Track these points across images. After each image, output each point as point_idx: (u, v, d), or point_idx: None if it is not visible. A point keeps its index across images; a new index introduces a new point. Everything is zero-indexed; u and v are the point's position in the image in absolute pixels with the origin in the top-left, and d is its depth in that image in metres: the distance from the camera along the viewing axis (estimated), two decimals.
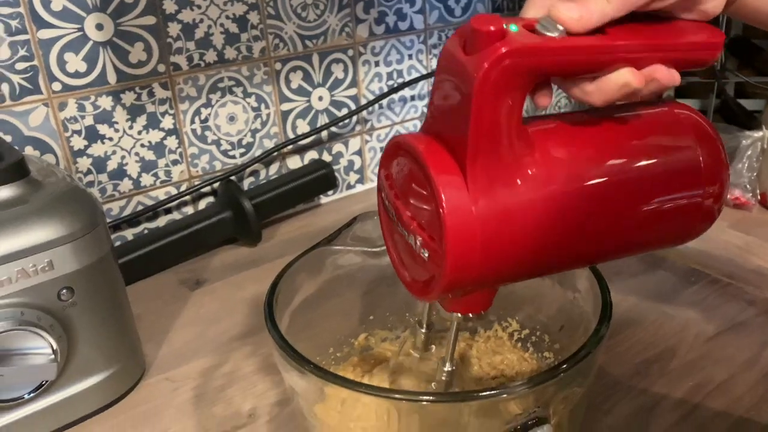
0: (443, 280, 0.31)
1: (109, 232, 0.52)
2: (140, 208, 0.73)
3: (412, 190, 0.33)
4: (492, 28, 0.29)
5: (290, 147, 0.81)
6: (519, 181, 0.31)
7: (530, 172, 0.32)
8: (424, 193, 0.31)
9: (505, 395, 0.32)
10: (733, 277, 0.64)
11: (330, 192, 0.84)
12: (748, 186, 0.76)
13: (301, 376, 0.34)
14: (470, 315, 0.37)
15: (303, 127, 0.81)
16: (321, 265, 0.43)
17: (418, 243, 0.32)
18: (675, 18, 0.36)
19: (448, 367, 0.39)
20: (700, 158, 0.36)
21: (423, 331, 0.43)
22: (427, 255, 0.32)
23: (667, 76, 0.34)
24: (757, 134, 0.75)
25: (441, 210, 0.30)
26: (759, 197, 0.76)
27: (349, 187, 0.88)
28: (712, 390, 0.50)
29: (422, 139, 0.32)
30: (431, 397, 0.32)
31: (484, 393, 0.31)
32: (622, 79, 0.32)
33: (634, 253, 0.40)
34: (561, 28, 0.31)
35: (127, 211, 0.72)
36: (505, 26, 0.30)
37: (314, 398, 0.36)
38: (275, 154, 0.80)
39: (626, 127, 0.36)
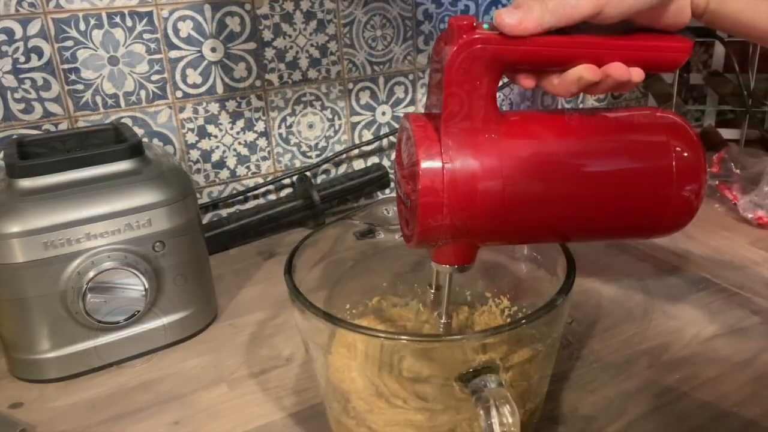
0: (418, 223, 0.34)
1: (197, 203, 0.58)
2: (234, 192, 0.79)
3: (408, 154, 0.36)
4: (464, 23, 0.33)
5: (356, 152, 0.85)
6: (483, 151, 0.33)
7: (495, 145, 0.34)
8: (413, 156, 0.34)
9: (463, 340, 0.34)
10: (743, 288, 0.60)
11: (387, 191, 0.87)
12: None
13: (303, 316, 0.37)
14: (455, 267, 0.37)
15: (368, 136, 0.85)
16: (345, 235, 0.47)
17: (406, 195, 0.36)
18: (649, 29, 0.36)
19: (443, 320, 0.40)
20: (674, 155, 0.35)
21: (432, 291, 0.44)
22: (409, 204, 0.35)
23: (623, 72, 0.34)
24: None
25: (418, 165, 0.33)
26: None
27: None
28: (699, 384, 0.47)
29: (415, 116, 0.36)
30: (403, 337, 0.35)
31: (447, 338, 0.34)
32: (578, 73, 0.33)
33: (600, 236, 0.39)
34: None
35: (224, 195, 0.79)
36: (476, 24, 0.33)
37: (320, 341, 0.39)
38: (344, 156, 0.84)
39: (600, 120, 0.36)
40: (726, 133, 0.90)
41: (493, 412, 0.30)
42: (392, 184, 0.89)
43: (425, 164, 0.33)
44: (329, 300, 0.46)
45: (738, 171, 0.75)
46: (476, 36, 0.32)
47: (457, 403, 0.36)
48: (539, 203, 0.35)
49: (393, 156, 0.88)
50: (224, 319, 0.61)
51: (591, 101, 0.98)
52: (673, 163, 0.35)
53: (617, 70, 0.34)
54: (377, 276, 0.50)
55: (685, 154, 0.36)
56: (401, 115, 0.86)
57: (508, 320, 0.48)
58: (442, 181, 0.33)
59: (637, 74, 0.34)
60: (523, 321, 0.34)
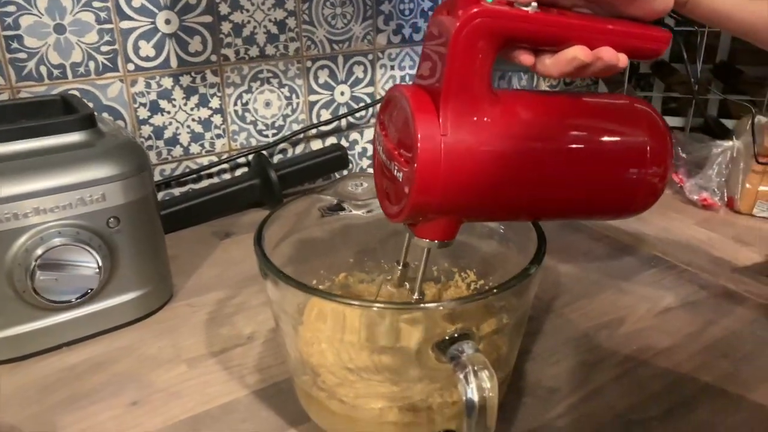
0: (412, 195, 0.33)
1: (153, 179, 0.56)
2: (187, 170, 0.77)
3: (397, 126, 0.36)
4: None
5: (314, 131, 0.84)
6: (480, 126, 0.33)
7: (491, 121, 0.34)
8: (407, 127, 0.34)
9: (440, 308, 0.34)
10: (692, 264, 0.63)
11: (344, 171, 0.86)
12: (716, 190, 0.75)
13: (275, 286, 0.36)
14: (436, 242, 0.37)
15: (326, 116, 0.84)
16: (311, 210, 0.46)
17: (396, 167, 0.35)
18: (630, 18, 0.37)
19: (416, 296, 0.40)
20: (647, 141, 0.37)
21: (399, 268, 0.44)
22: (401, 176, 0.34)
23: (612, 56, 0.35)
24: (728, 144, 0.74)
25: (416, 136, 0.32)
26: (726, 200, 0.75)
27: (361, 169, 0.90)
28: (655, 354, 0.49)
29: (410, 87, 0.35)
30: (379, 305, 0.34)
31: (421, 305, 0.34)
32: (572, 53, 0.34)
33: (579, 215, 0.40)
34: (534, 5, 0.33)
35: (177, 173, 0.76)
36: None
37: (290, 311, 0.38)
38: (301, 136, 0.83)
39: (585, 105, 0.38)
40: (670, 121, 0.93)
41: (471, 378, 0.31)
42: (351, 165, 0.88)
43: (424, 136, 0.33)
44: (295, 276, 0.45)
45: (684, 156, 0.78)
46: (483, 9, 0.32)
47: (430, 372, 0.36)
48: (529, 180, 0.35)
49: (351, 137, 0.87)
50: (181, 299, 0.59)
51: (544, 86, 1.00)
52: (648, 147, 0.37)
53: (608, 53, 0.35)
54: (343, 252, 0.49)
55: (657, 140, 0.37)
56: (359, 95, 0.86)
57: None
58: (440, 154, 0.33)
59: (623, 59, 0.35)
60: (495, 290, 0.34)
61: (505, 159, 0.34)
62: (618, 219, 0.41)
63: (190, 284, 0.62)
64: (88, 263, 0.50)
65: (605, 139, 0.37)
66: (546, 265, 0.62)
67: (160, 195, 0.76)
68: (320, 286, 0.49)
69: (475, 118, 0.34)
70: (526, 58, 0.36)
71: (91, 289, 0.51)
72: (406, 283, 0.46)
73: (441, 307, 0.33)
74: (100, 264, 0.50)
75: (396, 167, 0.35)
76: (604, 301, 0.57)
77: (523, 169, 0.35)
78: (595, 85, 1.03)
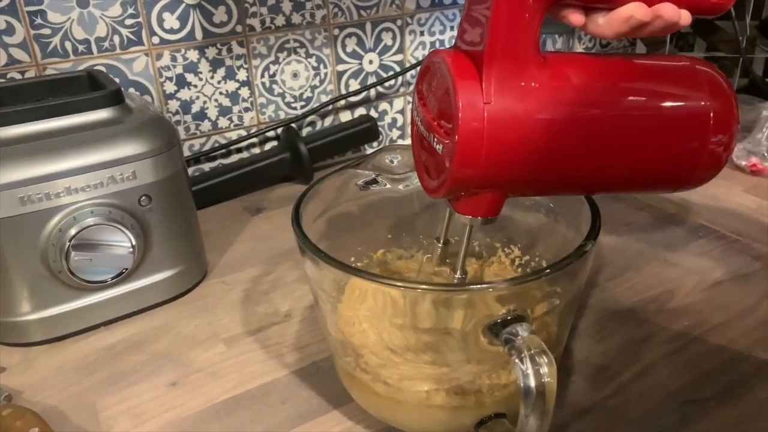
0: (453, 169, 0.31)
1: (183, 155, 0.54)
2: (216, 145, 0.75)
3: (437, 95, 0.33)
4: None
5: (343, 102, 0.82)
6: (528, 92, 0.31)
7: (539, 86, 0.31)
8: (447, 95, 0.32)
9: (490, 289, 0.32)
10: (742, 234, 0.60)
11: (374, 144, 0.84)
12: (765, 154, 0.71)
13: (315, 265, 0.35)
14: (479, 218, 0.35)
15: (355, 86, 0.82)
16: (348, 185, 0.44)
17: (435, 139, 0.33)
18: None
19: (459, 275, 0.38)
20: (711, 107, 0.34)
21: (440, 246, 0.42)
22: (441, 148, 0.32)
23: (673, 13, 0.32)
24: None
25: (457, 106, 0.30)
26: None
27: (392, 141, 0.88)
28: (707, 330, 0.47)
29: (450, 52, 0.33)
30: (424, 286, 0.33)
31: (471, 286, 0.32)
32: (628, 11, 0.31)
33: (635, 188, 0.38)
34: None
35: (206, 148, 0.75)
36: None
37: (331, 291, 0.37)
38: (330, 107, 0.81)
39: (642, 68, 0.35)
40: None
41: (528, 363, 0.29)
42: (380, 137, 0.86)
43: (465, 105, 0.30)
44: (332, 253, 0.44)
45: None
46: None
47: (478, 354, 0.34)
48: (582, 151, 0.33)
49: (381, 107, 0.85)
50: (215, 276, 0.58)
51: (579, 49, 0.95)
52: (711, 113, 0.34)
53: (669, 10, 0.32)
54: (381, 228, 0.48)
55: (722, 105, 0.34)
56: (388, 64, 0.83)
57: (519, 270, 0.46)
58: (483, 124, 0.30)
59: (686, 16, 0.32)
60: (549, 269, 0.32)
61: (555, 128, 0.32)
62: (676, 192, 0.38)
63: (224, 261, 0.61)
64: (122, 242, 0.49)
65: (664, 104, 0.34)
66: None
67: (190, 170, 0.75)
68: (358, 264, 0.47)
69: (522, 84, 0.31)
70: (576, 17, 0.33)
71: (126, 269, 0.50)
72: (447, 261, 0.44)
73: (491, 289, 0.31)
74: (134, 243, 0.49)
75: (436, 139, 0.33)
76: (650, 273, 0.55)
77: (575, 138, 0.32)
78: (633, 47, 0.98)
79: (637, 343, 0.47)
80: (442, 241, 0.42)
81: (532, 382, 0.29)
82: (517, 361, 0.29)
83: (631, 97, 0.34)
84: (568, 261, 0.32)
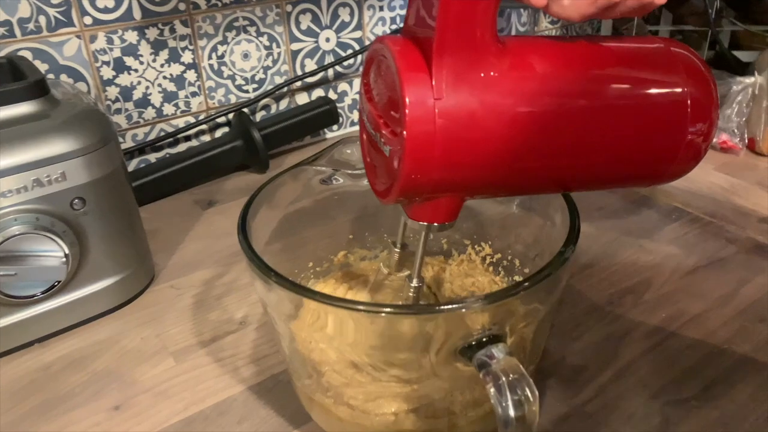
0: (403, 173, 0.27)
1: (120, 150, 0.49)
2: (162, 134, 0.70)
3: (383, 89, 0.29)
4: None
5: (298, 84, 0.77)
6: (486, 84, 0.27)
7: (499, 77, 0.28)
8: (394, 91, 0.28)
9: (463, 310, 0.28)
10: (715, 216, 0.58)
11: (334, 127, 0.80)
12: (736, 131, 0.69)
13: (266, 287, 0.31)
14: (436, 225, 0.32)
15: (311, 66, 0.77)
16: (303, 184, 0.40)
17: (382, 140, 0.29)
18: None
19: (415, 283, 0.35)
20: (688, 94, 0.31)
21: (397, 250, 0.39)
22: (389, 150, 0.29)
23: None
24: (749, 80, 0.68)
25: (404, 103, 0.26)
26: (746, 142, 0.70)
27: (353, 124, 0.84)
28: (686, 322, 0.45)
29: (397, 39, 0.29)
30: (388, 309, 0.29)
31: (440, 308, 0.28)
32: None
33: (608, 185, 0.35)
34: None
35: (151, 137, 0.70)
36: None
37: (285, 311, 0.33)
38: (284, 90, 0.76)
39: (612, 52, 0.31)
40: None
41: (506, 391, 0.26)
42: (341, 120, 0.81)
43: (413, 102, 0.26)
44: (289, 259, 0.40)
45: None
46: None
47: (451, 373, 0.31)
48: (547, 147, 0.29)
49: (340, 88, 0.80)
50: (163, 281, 0.54)
51: (545, 23, 0.92)
52: (689, 100, 0.31)
53: None
54: (341, 228, 0.44)
55: (700, 91, 0.31)
56: (346, 41, 0.78)
57: (491, 269, 0.43)
58: (434, 123, 0.27)
59: None
60: (526, 283, 0.29)
61: (519, 123, 0.28)
62: (652, 185, 0.36)
63: (173, 263, 0.56)
64: (53, 252, 0.44)
65: (638, 92, 0.31)
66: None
67: (134, 162, 0.69)
68: (317, 268, 0.43)
69: (479, 75, 0.27)
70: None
71: (59, 281, 0.45)
72: (406, 265, 0.40)
73: (464, 309, 0.28)
74: (67, 252, 0.45)
75: (383, 140, 0.29)
76: (625, 262, 0.53)
77: (540, 133, 0.29)
78: (599, 23, 0.95)
79: (616, 339, 0.44)
80: (399, 245, 0.39)
81: (511, 413, 0.26)
82: (492, 390, 0.26)
83: (600, 86, 0.31)
84: (547, 272, 0.29)
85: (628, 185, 0.37)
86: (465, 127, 0.27)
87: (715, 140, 0.70)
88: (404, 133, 0.26)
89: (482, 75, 0.27)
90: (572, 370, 0.42)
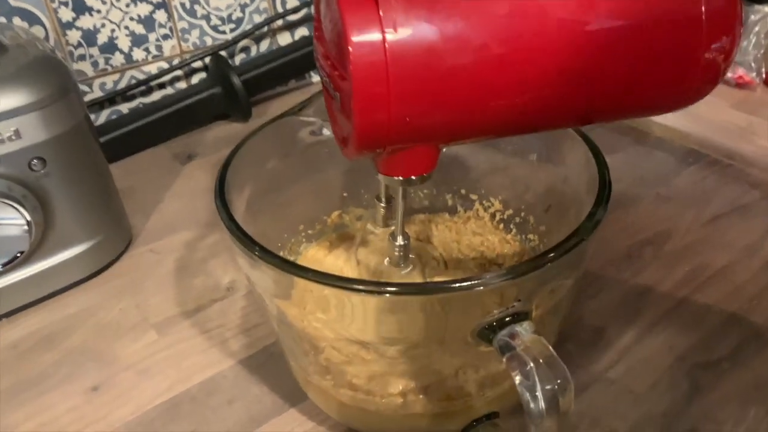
0: (355, 123, 0.23)
1: (83, 101, 0.44)
2: (133, 82, 0.64)
3: (330, 23, 0.25)
4: None
5: (280, 23, 0.70)
6: (443, 8, 0.22)
7: None
8: (337, 24, 0.23)
9: (481, 287, 0.24)
10: (734, 157, 0.54)
11: None
12: (753, 65, 0.63)
13: (251, 263, 0.27)
14: (412, 178, 0.28)
15: (293, 2, 0.70)
16: (290, 137, 0.35)
17: (331, 85, 0.25)
18: None
19: (399, 241, 0.32)
20: (702, 2, 0.25)
21: (382, 205, 0.34)
22: (339, 97, 0.24)
23: None
24: (767, 9, 0.61)
25: (346, 38, 0.22)
26: (764, 77, 0.64)
27: None
28: (711, 276, 0.42)
29: None
30: (392, 289, 0.25)
31: (453, 285, 0.24)
32: None
33: (607, 116, 0.29)
34: None
35: (121, 86, 0.64)
36: None
37: (276, 291, 0.29)
38: (265, 29, 0.69)
39: None
40: None
41: (535, 378, 0.22)
42: None
43: (357, 38, 0.21)
44: (277, 222, 0.36)
45: None
46: None
47: (466, 353, 0.27)
48: (533, 76, 0.24)
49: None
50: (141, 244, 0.49)
51: None
52: (702, 9, 0.25)
53: None
54: (334, 185, 0.40)
55: (717, 3, 0.25)
56: None
57: (501, 227, 0.39)
58: (384, 61, 0.22)
59: None
60: (553, 253, 0.24)
61: (491, 51, 0.23)
62: (663, 113, 0.30)
63: (151, 224, 0.52)
64: (13, 220, 0.40)
65: (640, 4, 0.25)
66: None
67: (105, 114, 0.64)
68: (309, 230, 0.39)
69: (435, 1, 0.22)
70: None
71: (21, 252, 0.41)
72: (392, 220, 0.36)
73: (482, 286, 0.24)
74: (29, 219, 0.40)
75: (334, 85, 0.25)
76: (642, 211, 0.49)
77: (520, 61, 0.24)
78: None
79: (636, 296, 0.41)
80: (384, 199, 0.34)
81: (542, 404, 0.22)
82: (519, 377, 0.22)
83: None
84: (577, 239, 0.25)
85: (633, 115, 0.31)
86: (423, 63, 0.22)
87: (730, 75, 0.65)
88: (350, 74, 0.22)
89: None
90: (591, 332, 0.39)
